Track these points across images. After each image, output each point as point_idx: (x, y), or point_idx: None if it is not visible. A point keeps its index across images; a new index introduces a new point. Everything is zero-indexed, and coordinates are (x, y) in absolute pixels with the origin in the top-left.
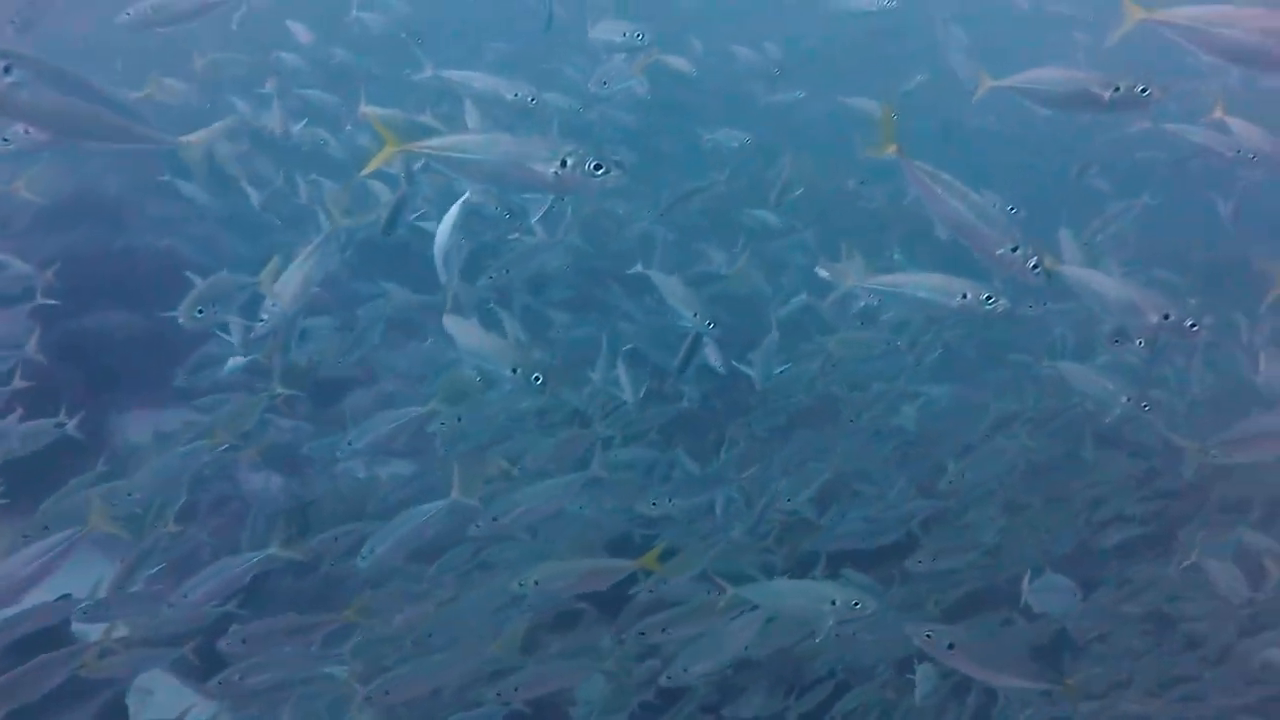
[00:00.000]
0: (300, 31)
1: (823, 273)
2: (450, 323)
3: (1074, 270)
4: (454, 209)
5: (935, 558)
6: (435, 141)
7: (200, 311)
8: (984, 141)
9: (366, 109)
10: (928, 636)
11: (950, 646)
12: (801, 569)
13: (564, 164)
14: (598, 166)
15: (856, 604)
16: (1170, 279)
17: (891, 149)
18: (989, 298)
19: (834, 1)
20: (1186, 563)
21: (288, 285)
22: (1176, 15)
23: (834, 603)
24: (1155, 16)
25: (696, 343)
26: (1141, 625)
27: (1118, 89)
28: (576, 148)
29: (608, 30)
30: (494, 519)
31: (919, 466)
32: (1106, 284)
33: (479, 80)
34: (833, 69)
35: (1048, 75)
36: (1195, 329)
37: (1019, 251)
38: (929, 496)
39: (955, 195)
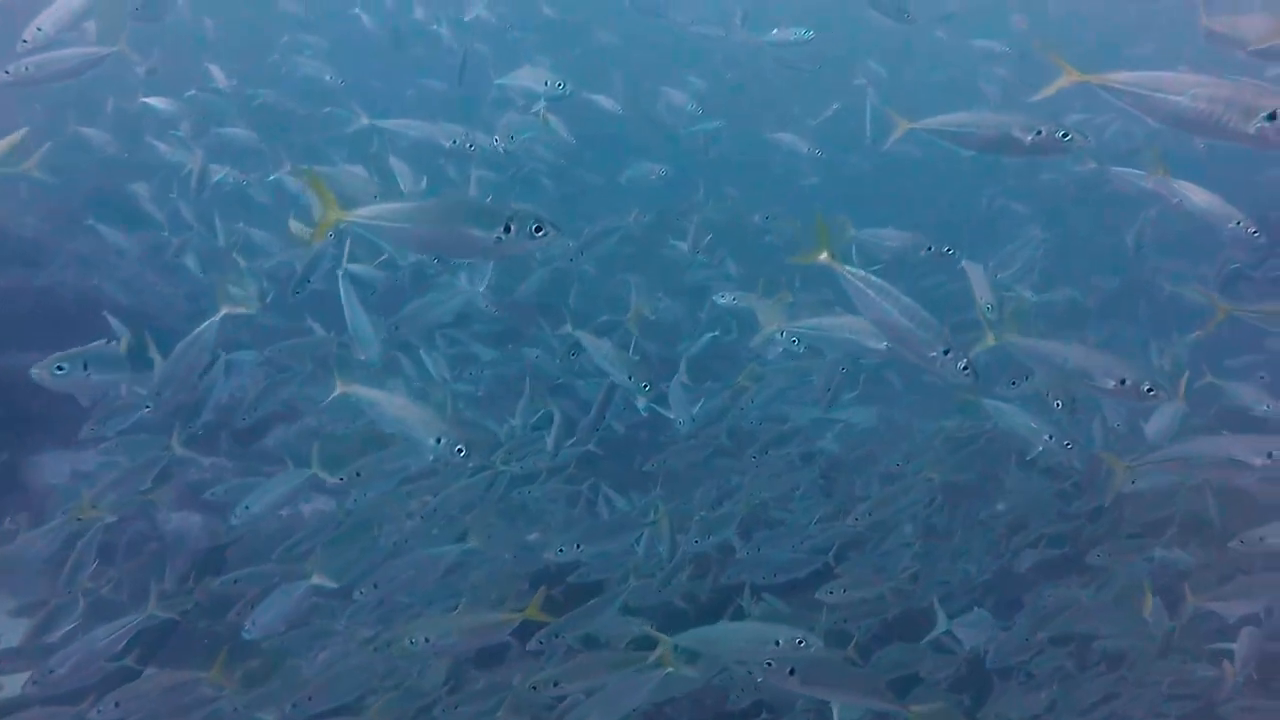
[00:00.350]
0: (218, 74)
1: (722, 300)
2: (362, 393)
3: (1024, 342)
4: (344, 290)
5: (847, 589)
6: (371, 210)
7: (60, 369)
8: (909, 170)
9: (302, 172)
10: (768, 666)
11: (792, 672)
12: (723, 601)
13: (507, 230)
14: (538, 229)
15: (801, 642)
16: (1077, 298)
17: (823, 256)
18: None
19: (754, 34)
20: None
21: None
22: (1114, 79)
23: (778, 642)
24: (1091, 79)
25: (609, 394)
26: (1061, 648)
27: (1039, 133)
28: (517, 211)
29: (528, 78)
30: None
31: (841, 493)
32: (1058, 352)
33: (415, 128)
34: (753, 100)
35: (968, 118)
36: (1152, 393)
37: (950, 355)
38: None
39: (887, 299)
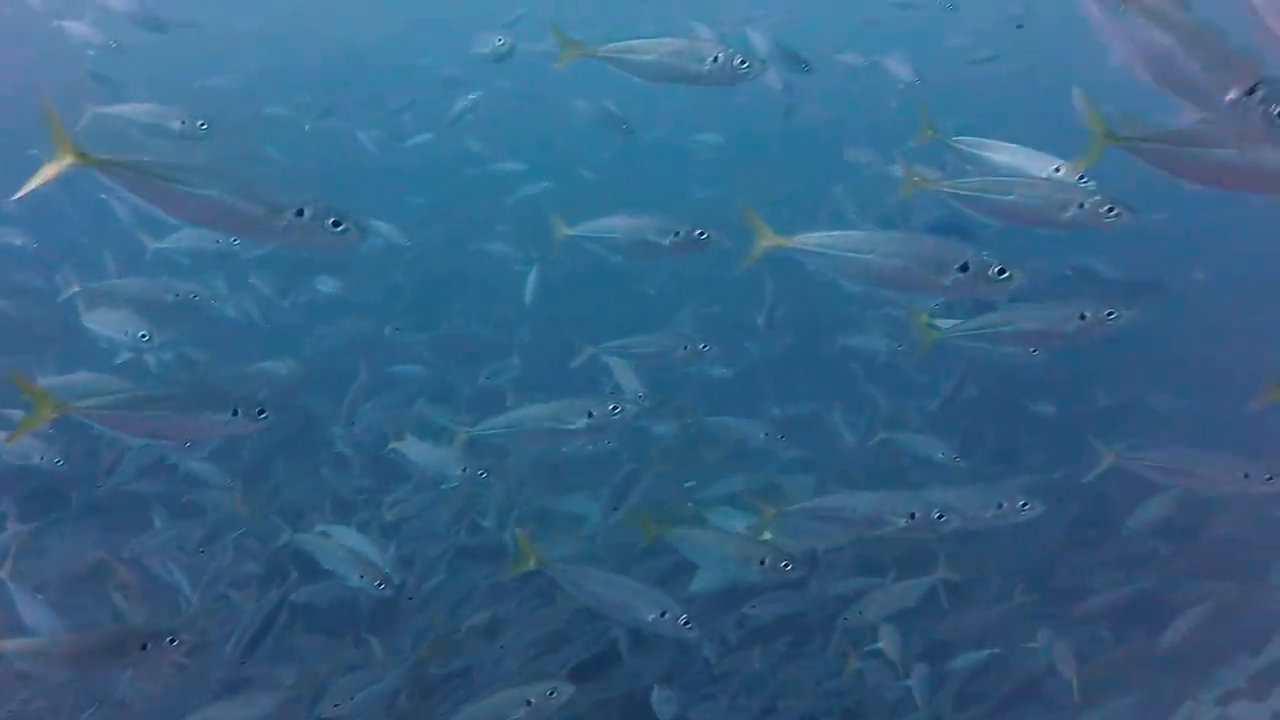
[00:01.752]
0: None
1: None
2: (407, 446)
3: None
4: None
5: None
6: (135, 162)
7: None
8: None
9: None
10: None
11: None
12: None
13: (299, 213)
14: (336, 223)
15: (786, 565)
16: None
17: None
18: None
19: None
20: None
21: None
22: (804, 241)
23: (763, 562)
24: (785, 242)
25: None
26: None
27: (677, 234)
28: (315, 198)
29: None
30: None
31: None
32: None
33: None
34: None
35: (615, 223)
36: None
37: (971, 267)
38: None
39: (866, 244)
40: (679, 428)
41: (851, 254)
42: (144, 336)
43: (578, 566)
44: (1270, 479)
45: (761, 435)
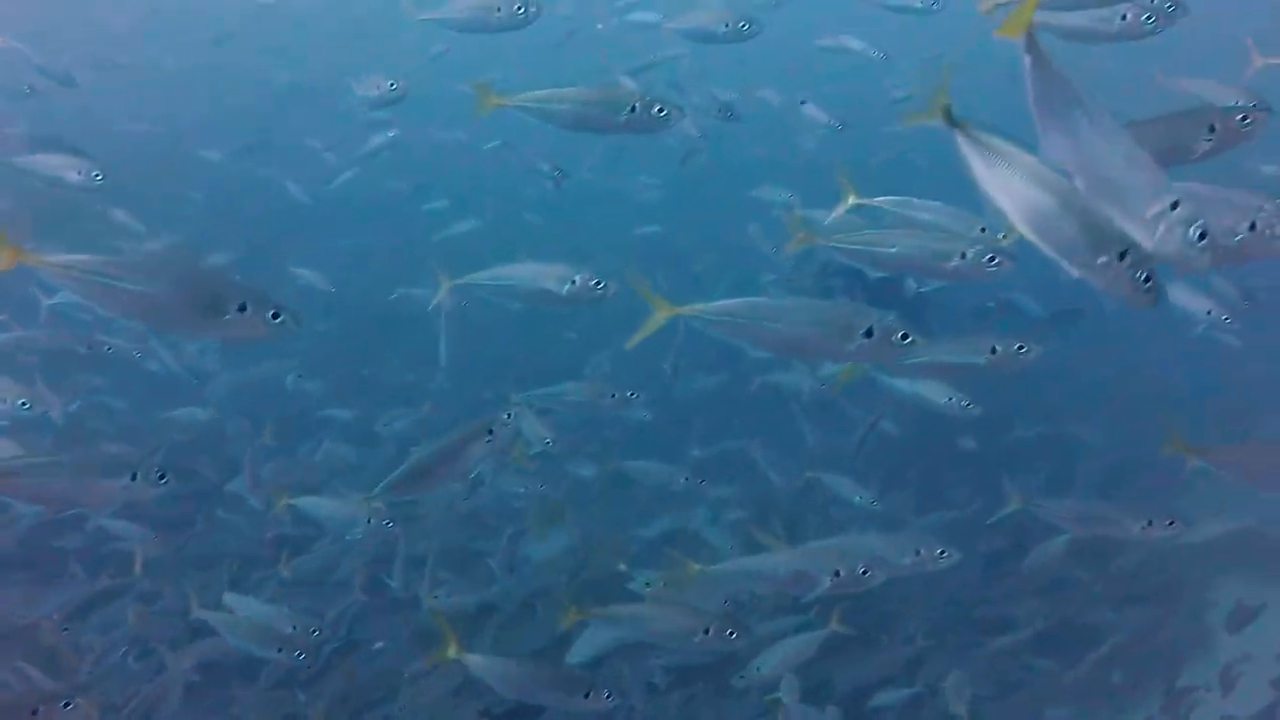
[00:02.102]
0: None
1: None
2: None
3: None
4: None
5: None
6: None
7: None
8: None
9: None
10: None
11: None
12: None
13: (241, 309)
14: (274, 315)
15: (731, 633)
16: None
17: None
18: None
19: None
20: None
21: None
22: (705, 309)
23: (708, 631)
24: (680, 310)
25: None
26: None
27: (573, 283)
28: (255, 292)
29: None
30: None
31: None
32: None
33: None
34: None
35: (511, 272)
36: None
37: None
38: None
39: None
40: (600, 471)
41: (754, 322)
42: (23, 404)
43: (497, 662)
44: (1172, 523)
45: (682, 480)
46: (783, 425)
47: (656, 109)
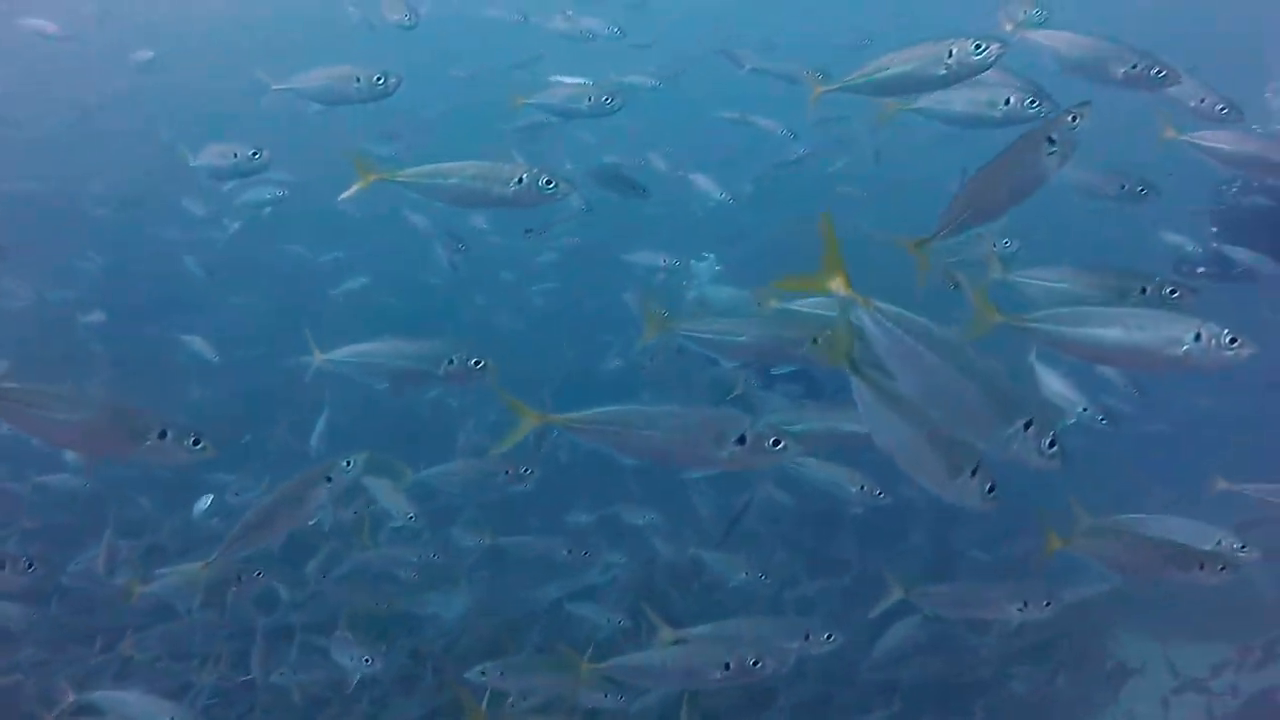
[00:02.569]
0: None
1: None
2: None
3: None
4: None
5: None
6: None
7: None
8: None
9: None
10: None
11: None
12: None
13: (162, 435)
14: (195, 441)
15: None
16: None
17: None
18: None
19: None
20: None
21: None
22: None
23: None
24: None
25: None
26: None
27: (451, 363)
28: (175, 421)
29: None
30: None
31: None
32: None
33: None
34: None
35: (377, 349)
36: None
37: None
38: None
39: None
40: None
41: (624, 430)
42: None
43: None
44: (1048, 604)
45: (564, 552)
46: (677, 489)
47: (545, 181)
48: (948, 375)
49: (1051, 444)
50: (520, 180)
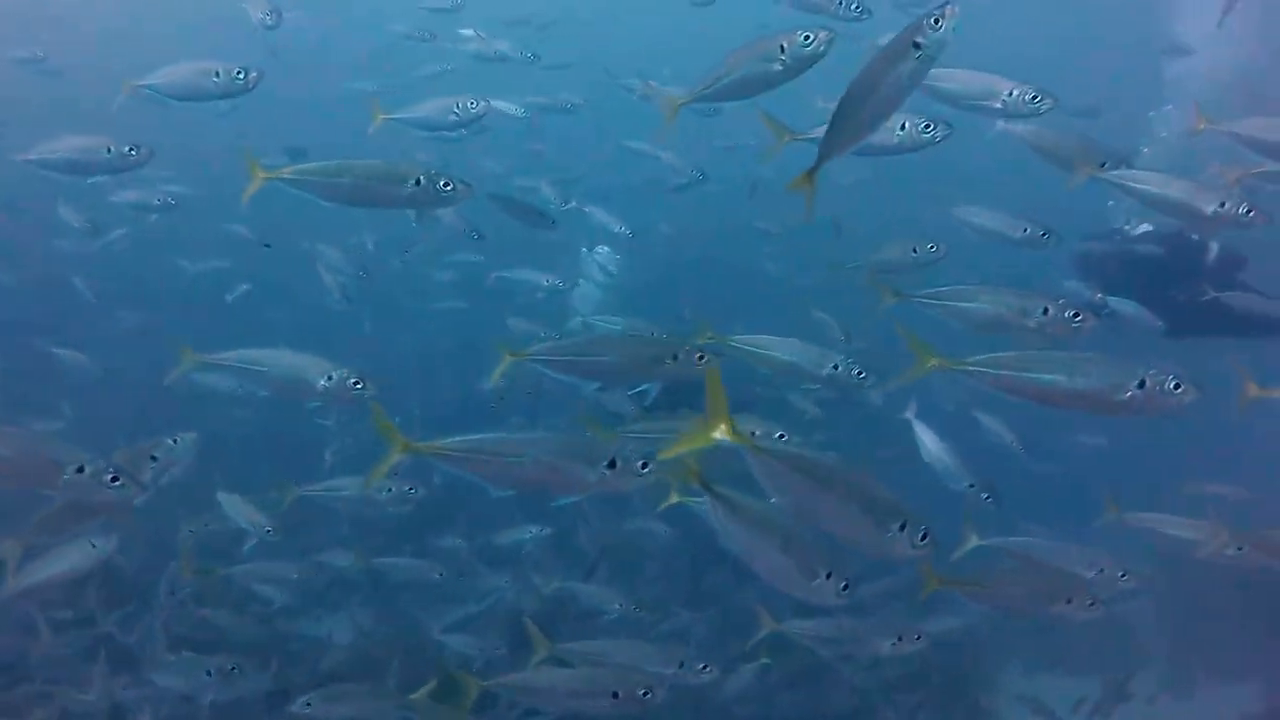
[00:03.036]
0: None
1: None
2: None
3: None
4: None
5: None
6: None
7: None
8: None
9: None
10: None
11: None
12: None
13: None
14: (114, 478)
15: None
16: None
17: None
18: None
19: None
20: None
21: None
22: None
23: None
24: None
25: None
26: None
27: (330, 379)
28: (93, 458)
29: None
30: None
31: None
32: None
33: None
34: None
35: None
36: None
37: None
38: None
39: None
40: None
41: (493, 458)
42: None
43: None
44: (919, 637)
45: (436, 574)
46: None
47: (443, 184)
48: (827, 498)
49: (924, 537)
50: (418, 182)
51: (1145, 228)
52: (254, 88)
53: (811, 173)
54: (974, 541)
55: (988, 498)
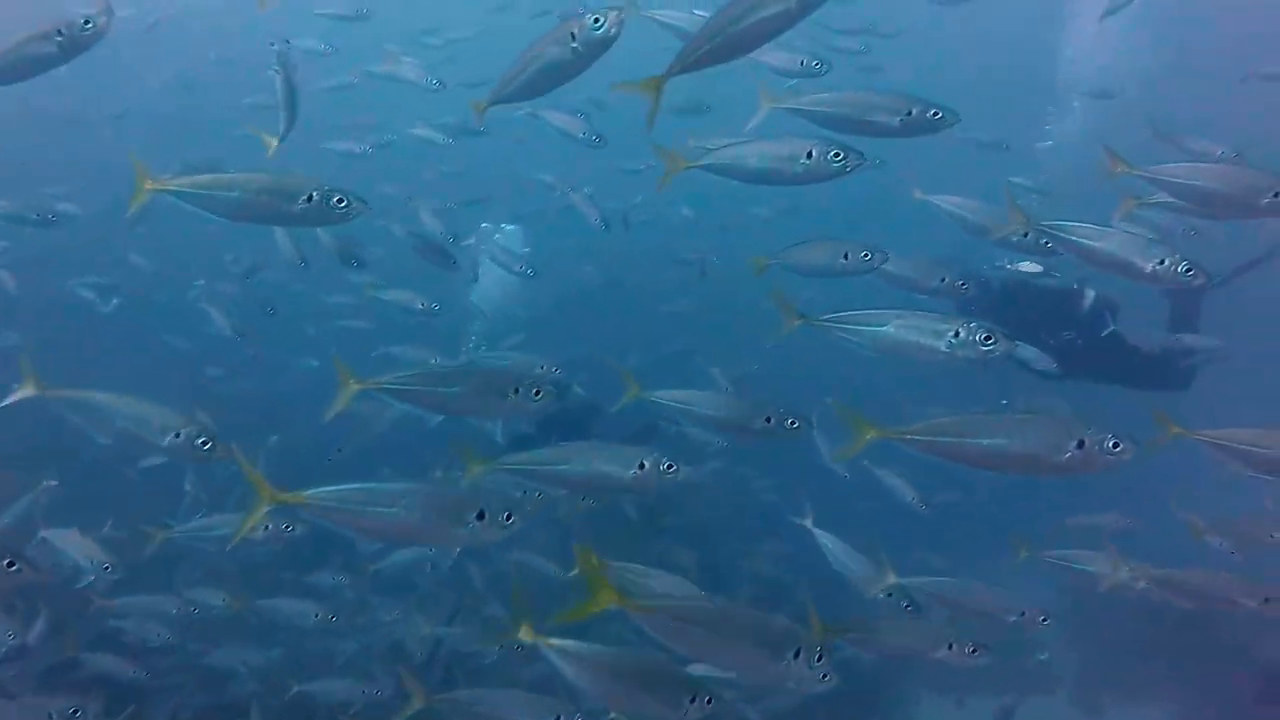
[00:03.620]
0: None
1: None
2: None
3: None
4: None
5: None
6: None
7: None
8: None
9: None
10: None
11: None
12: None
13: None
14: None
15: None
16: None
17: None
18: None
19: None
20: None
21: None
22: None
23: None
24: None
25: None
26: None
27: (177, 435)
28: None
29: None
30: None
31: None
32: None
33: None
34: None
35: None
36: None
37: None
38: None
39: None
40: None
41: (362, 509)
42: None
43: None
44: (826, 677)
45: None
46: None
47: (336, 200)
48: (719, 640)
49: (819, 658)
50: (310, 198)
51: (1032, 268)
52: (105, 34)
53: (661, 81)
54: (891, 579)
55: (907, 606)
